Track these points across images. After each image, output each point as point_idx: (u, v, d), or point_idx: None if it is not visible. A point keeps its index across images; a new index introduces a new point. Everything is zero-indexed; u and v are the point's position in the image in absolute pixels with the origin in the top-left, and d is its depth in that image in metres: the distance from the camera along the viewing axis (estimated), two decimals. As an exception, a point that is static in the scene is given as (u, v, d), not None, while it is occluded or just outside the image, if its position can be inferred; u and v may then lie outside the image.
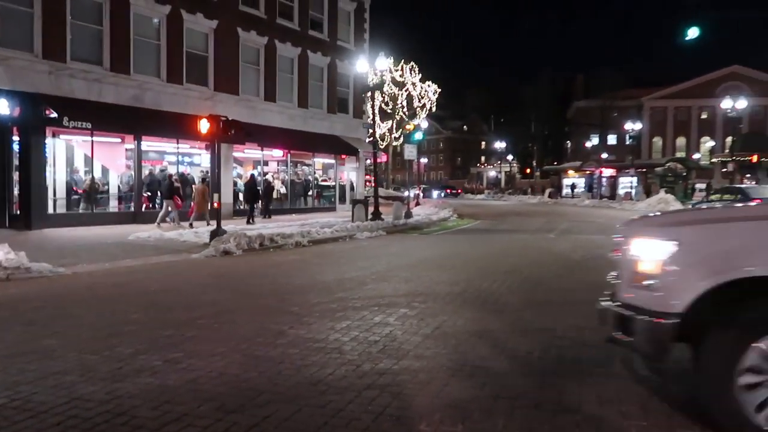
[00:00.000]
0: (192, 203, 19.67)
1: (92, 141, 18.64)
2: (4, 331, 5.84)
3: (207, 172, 21.67)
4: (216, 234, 13.83)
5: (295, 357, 4.94)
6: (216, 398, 3.97)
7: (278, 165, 27.48)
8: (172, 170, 21.46)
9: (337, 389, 4.16)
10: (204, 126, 13.79)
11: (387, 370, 4.60)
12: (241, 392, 4.10)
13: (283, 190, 26.76)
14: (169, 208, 18.20)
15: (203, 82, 22.53)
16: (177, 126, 19.70)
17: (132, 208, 20.10)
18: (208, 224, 17.39)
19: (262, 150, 25.16)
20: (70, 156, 19.29)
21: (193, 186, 21.01)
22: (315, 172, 29.38)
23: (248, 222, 20.08)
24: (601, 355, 4.98)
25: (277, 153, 26.70)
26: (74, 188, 19.04)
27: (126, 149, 20.55)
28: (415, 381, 4.34)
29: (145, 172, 20.52)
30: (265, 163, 26.48)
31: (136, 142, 19.90)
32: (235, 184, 24.48)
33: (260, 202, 22.59)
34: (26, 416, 3.67)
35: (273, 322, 6.23)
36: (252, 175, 22.87)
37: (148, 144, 20.73)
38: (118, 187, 20.43)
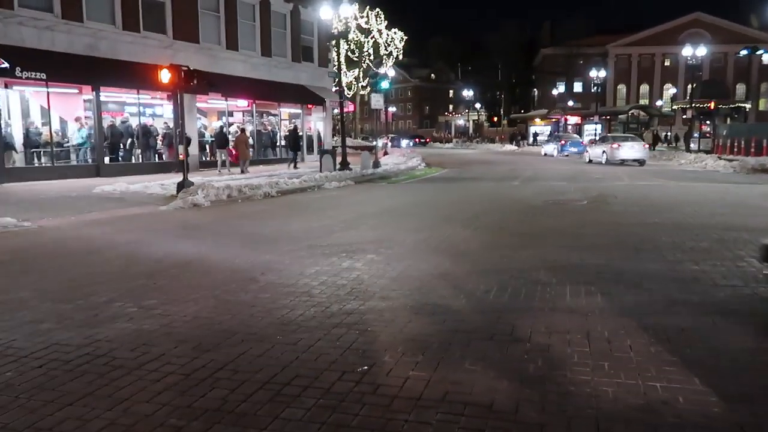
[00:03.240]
0: (234, 151, 22.59)
1: (47, 92, 18.05)
2: (-25, 284, 5.91)
3: (243, 122, 25.60)
4: (183, 186, 13.79)
5: (266, 301, 5.18)
6: (191, 339, 4.20)
7: (243, 115, 27.06)
8: (134, 121, 21.04)
9: (307, 328, 4.42)
10: (165, 76, 13.51)
11: (354, 310, 4.88)
12: (216, 333, 4.33)
13: (250, 140, 26.48)
14: (223, 157, 21.94)
15: (161, 30, 21.79)
16: (136, 76, 19.19)
17: (95, 161, 19.71)
18: (243, 172, 20.99)
19: (226, 100, 24.70)
20: (25, 108, 18.67)
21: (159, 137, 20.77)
22: (281, 122, 29.06)
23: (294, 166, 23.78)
24: (552, 293, 5.35)
25: (242, 103, 26.26)
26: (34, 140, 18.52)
27: (84, 100, 19.96)
28: (381, 319, 4.63)
29: (107, 123, 20.03)
30: (230, 114, 26.03)
31: (94, 92, 19.34)
32: (201, 135, 24.13)
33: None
34: (7, 361, 3.84)
35: (244, 269, 6.43)
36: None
37: (107, 95, 20.17)
38: (83, 139, 19.93)
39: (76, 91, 19.71)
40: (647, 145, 31.53)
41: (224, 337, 4.24)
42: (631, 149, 27.70)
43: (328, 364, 3.73)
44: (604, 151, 28.63)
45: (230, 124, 25.22)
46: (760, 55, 41.74)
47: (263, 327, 4.48)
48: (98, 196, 14.09)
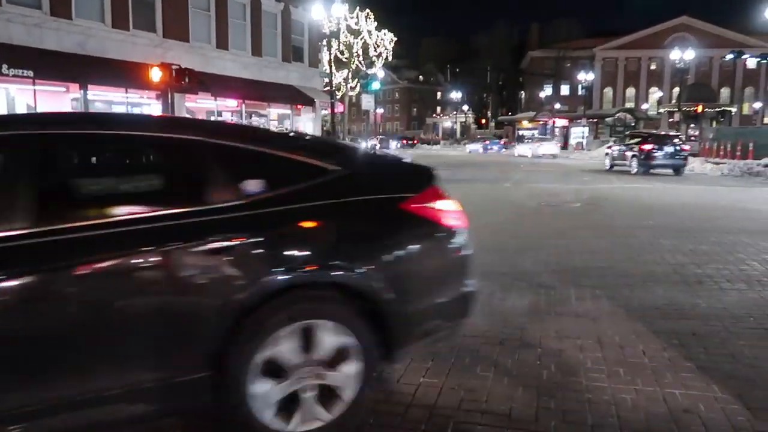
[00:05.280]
0: None
1: (34, 90, 17.72)
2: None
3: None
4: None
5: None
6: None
7: (232, 116, 26.82)
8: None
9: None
10: (156, 74, 13.33)
11: (357, 314, 4.75)
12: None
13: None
14: None
15: (151, 28, 21.50)
16: (125, 74, 18.90)
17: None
18: None
19: (215, 100, 24.43)
20: (11, 106, 18.31)
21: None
22: (270, 123, 28.87)
23: None
24: (558, 296, 5.27)
25: (232, 103, 26.01)
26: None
27: (72, 99, 19.63)
28: (385, 324, 4.51)
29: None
30: (219, 114, 25.77)
31: (82, 91, 19.00)
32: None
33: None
34: None
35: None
36: None
37: (95, 93, 19.84)
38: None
39: (64, 89, 19.36)
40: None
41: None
42: (548, 148, 40.25)
43: (336, 370, 3.60)
44: (530, 149, 40.76)
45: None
46: (745, 59, 42.26)
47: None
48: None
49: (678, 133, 29.40)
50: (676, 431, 2.83)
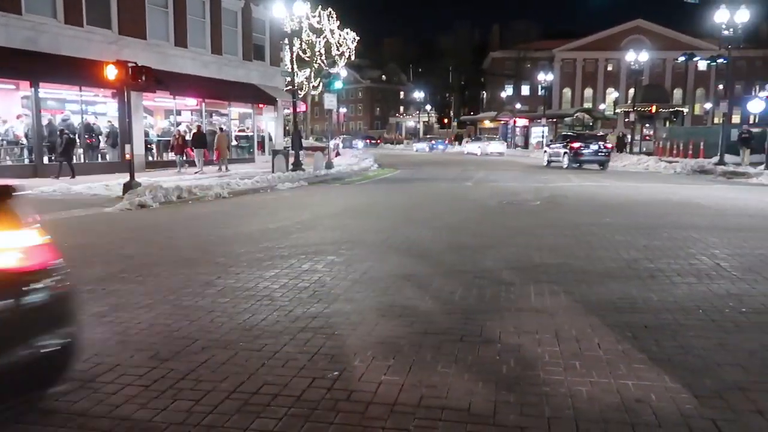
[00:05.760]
0: (215, 151, 23.10)
1: (-18, 87, 17.06)
2: None
3: (221, 122, 26.39)
4: (130, 186, 13.25)
5: (226, 305, 4.97)
6: (149, 348, 3.96)
7: (192, 114, 26.33)
8: (75, 119, 20.13)
9: (271, 333, 4.25)
10: (111, 72, 12.95)
11: (319, 313, 4.74)
12: (174, 341, 4.10)
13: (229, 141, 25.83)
14: (200, 158, 21.78)
15: (106, 25, 20.93)
16: (79, 72, 18.34)
17: (32, 161, 18.74)
18: (226, 169, 21.76)
19: (174, 98, 23.98)
20: (-44, 104, 17.59)
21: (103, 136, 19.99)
22: (231, 122, 28.42)
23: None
24: (518, 292, 5.36)
25: (191, 102, 25.54)
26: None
27: (22, 97, 18.96)
28: (347, 323, 4.51)
29: (44, 121, 19.05)
30: (178, 113, 25.31)
31: (33, 89, 18.37)
32: (146, 134, 23.32)
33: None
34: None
35: (199, 273, 6.17)
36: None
37: (47, 91, 19.21)
38: (26, 136, 18.88)
39: (13, 87, 18.71)
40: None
41: (183, 345, 4.02)
42: (495, 146, 45.64)
43: (297, 370, 3.58)
44: (479, 147, 45.96)
45: (178, 124, 24.53)
46: (697, 61, 43.71)
47: (225, 333, 4.28)
48: (38, 198, 13.36)
49: (602, 134, 32.46)
50: (628, 420, 2.92)
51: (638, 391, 3.24)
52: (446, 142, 61.56)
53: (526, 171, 24.64)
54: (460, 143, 64.38)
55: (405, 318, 4.61)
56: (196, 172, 20.50)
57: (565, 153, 25.71)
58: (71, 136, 18.28)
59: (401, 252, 7.30)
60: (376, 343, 4.05)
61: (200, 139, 22.13)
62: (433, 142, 60.57)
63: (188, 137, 22.68)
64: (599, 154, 25.13)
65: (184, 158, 22.05)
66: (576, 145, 25.13)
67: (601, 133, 31.98)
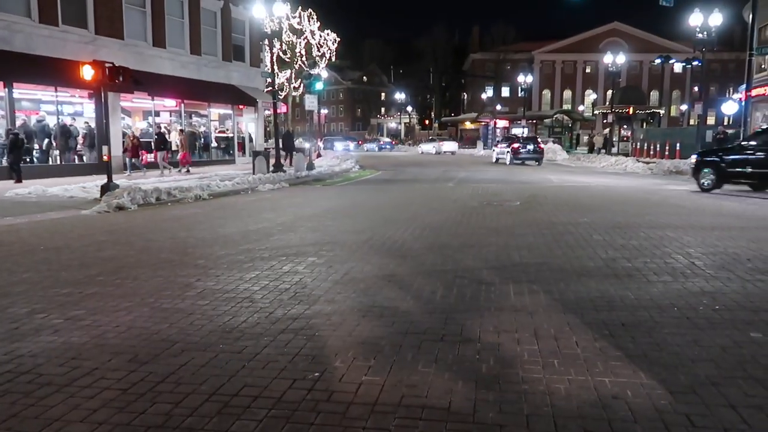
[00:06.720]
0: (181, 151, 23.13)
1: (-47, 88, 16.69)
2: None
3: (170, 123, 25.64)
4: (107, 188, 13.08)
5: (206, 308, 4.94)
6: (127, 351, 3.92)
7: (171, 115, 26.07)
8: (51, 120, 19.81)
9: (252, 335, 4.24)
10: (88, 73, 12.77)
11: (300, 315, 4.73)
12: (153, 344, 4.07)
13: (177, 142, 25.52)
14: (161, 159, 21.63)
15: (82, 24, 20.63)
16: (55, 72, 18.09)
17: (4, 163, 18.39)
18: (188, 171, 22.01)
19: (152, 99, 23.74)
20: (-73, 104, 17.18)
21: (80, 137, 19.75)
22: (211, 123, 28.21)
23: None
24: (497, 292, 5.41)
25: (170, 103, 25.31)
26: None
27: (-5, 97, 18.59)
28: (328, 324, 4.51)
29: (18, 122, 18.70)
30: (157, 114, 25.04)
31: (6, 89, 18.04)
32: (123, 135, 23.03)
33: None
34: None
35: (178, 275, 6.12)
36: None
37: (21, 92, 18.89)
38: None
39: (-14, 87, 18.32)
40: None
41: (163, 348, 3.99)
42: (449, 146, 52.27)
43: (278, 371, 3.57)
44: (434, 147, 51.69)
45: (158, 125, 24.28)
46: (672, 63, 44.44)
47: (204, 335, 4.25)
48: (12, 200, 13.13)
49: (536, 136, 41.50)
50: (605, 417, 2.96)
51: (615, 388, 3.29)
52: (392, 143, 69.61)
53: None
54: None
55: (386, 318, 4.63)
56: (160, 176, 20.15)
57: (508, 152, 31.38)
58: (19, 136, 17.31)
59: (382, 253, 7.31)
60: (356, 344, 4.06)
61: (162, 141, 21.99)
62: (382, 142, 67.83)
63: (170, 138, 22.58)
64: (534, 153, 30.85)
65: (134, 161, 21.23)
66: (516, 145, 31.40)
67: (537, 137, 39.99)
